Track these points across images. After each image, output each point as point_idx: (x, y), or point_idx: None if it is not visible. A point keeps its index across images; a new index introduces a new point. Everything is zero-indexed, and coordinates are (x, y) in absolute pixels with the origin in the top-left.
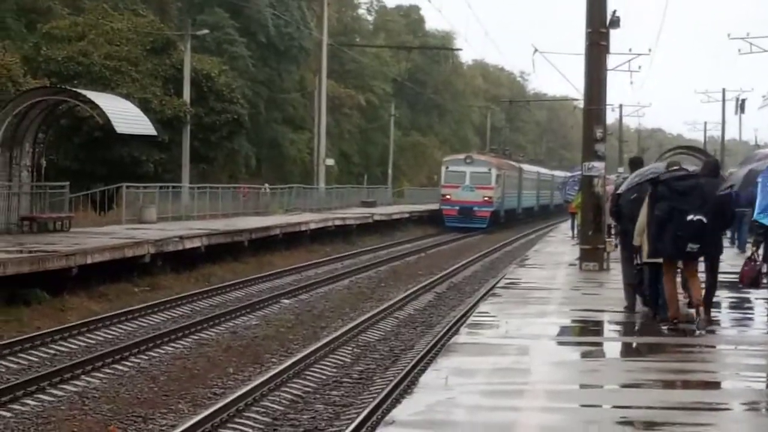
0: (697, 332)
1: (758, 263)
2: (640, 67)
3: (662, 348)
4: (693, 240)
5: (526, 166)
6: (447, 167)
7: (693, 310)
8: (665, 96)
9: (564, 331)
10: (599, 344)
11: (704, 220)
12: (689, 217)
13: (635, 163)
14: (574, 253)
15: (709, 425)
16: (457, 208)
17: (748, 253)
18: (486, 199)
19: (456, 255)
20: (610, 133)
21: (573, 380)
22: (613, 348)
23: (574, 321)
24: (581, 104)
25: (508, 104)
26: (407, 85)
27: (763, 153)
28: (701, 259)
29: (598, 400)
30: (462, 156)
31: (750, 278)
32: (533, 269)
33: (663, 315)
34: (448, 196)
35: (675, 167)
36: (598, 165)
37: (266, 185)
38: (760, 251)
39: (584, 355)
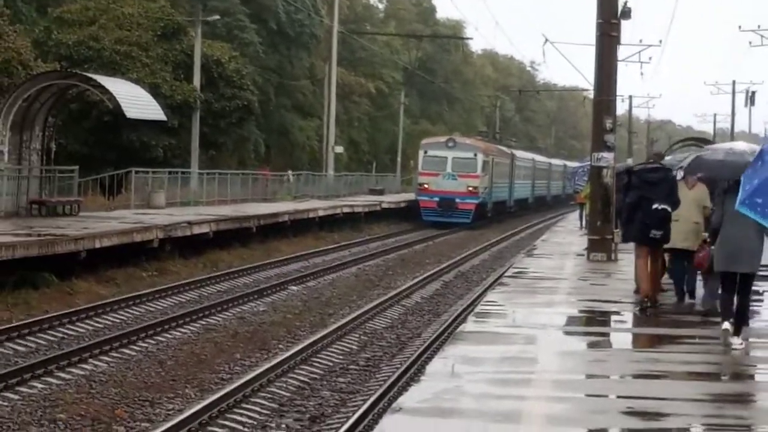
0: (640, 313)
1: (712, 248)
2: (650, 59)
3: (669, 339)
4: (657, 227)
5: (519, 153)
6: (425, 152)
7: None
8: (675, 87)
9: (571, 321)
10: (606, 334)
11: (669, 209)
12: (654, 206)
13: (659, 157)
14: (582, 243)
15: (715, 416)
16: (437, 199)
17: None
18: (470, 189)
19: (463, 244)
20: (619, 124)
21: (579, 370)
22: (620, 338)
23: (581, 311)
24: (591, 95)
25: (517, 94)
26: (417, 74)
27: (721, 146)
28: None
29: (604, 390)
30: (443, 139)
31: (707, 265)
32: (541, 259)
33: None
34: (425, 186)
35: (651, 160)
36: (608, 156)
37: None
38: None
39: (591, 345)
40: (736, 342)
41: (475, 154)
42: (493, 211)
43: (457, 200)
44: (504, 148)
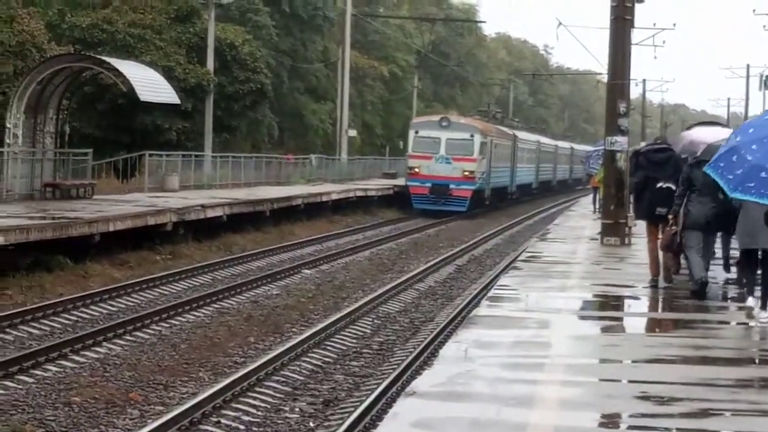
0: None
1: (673, 229)
2: (664, 42)
3: (683, 323)
4: (662, 204)
5: (522, 134)
6: (416, 132)
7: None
8: (689, 71)
9: (585, 305)
10: (620, 319)
11: (672, 187)
12: (659, 185)
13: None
14: (596, 227)
15: (730, 401)
16: (429, 185)
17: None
18: (466, 174)
19: (477, 228)
20: (633, 108)
21: (593, 354)
22: (633, 323)
23: (595, 295)
24: (604, 78)
25: (531, 77)
26: (430, 57)
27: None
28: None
29: (617, 374)
30: (436, 117)
31: (665, 244)
32: (554, 243)
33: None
34: (416, 170)
35: (659, 141)
36: (621, 139)
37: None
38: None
39: (605, 329)
40: (764, 316)
41: (472, 135)
42: (492, 198)
43: (452, 186)
44: (505, 129)
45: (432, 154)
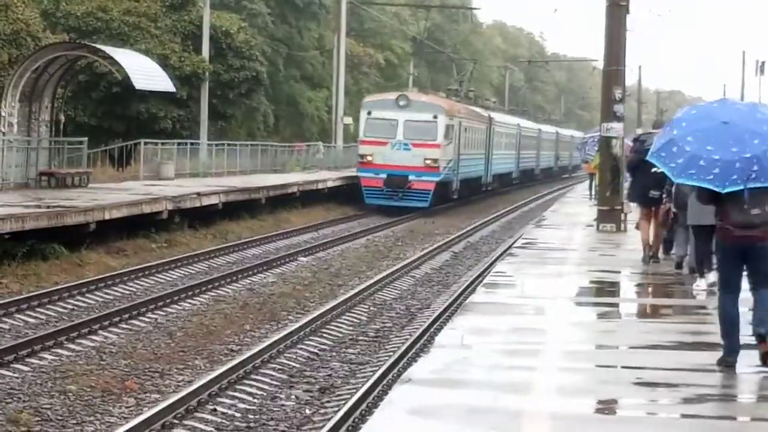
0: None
1: (666, 206)
2: (660, 28)
3: (678, 309)
4: (654, 187)
5: (499, 116)
6: (369, 112)
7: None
8: (685, 58)
9: (581, 291)
10: (616, 305)
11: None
12: (653, 169)
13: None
14: (592, 213)
15: (726, 386)
16: (383, 176)
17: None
18: (429, 162)
19: (473, 214)
20: (628, 95)
21: (589, 340)
22: (629, 309)
23: (591, 282)
24: (600, 65)
25: (526, 64)
26: (426, 44)
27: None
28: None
29: (614, 360)
30: (393, 95)
31: (662, 220)
32: (550, 230)
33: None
34: (368, 158)
35: (654, 129)
36: (617, 126)
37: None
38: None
39: (601, 315)
40: (702, 284)
41: (436, 116)
42: (462, 190)
43: (411, 177)
44: (478, 110)
45: (387, 139)
